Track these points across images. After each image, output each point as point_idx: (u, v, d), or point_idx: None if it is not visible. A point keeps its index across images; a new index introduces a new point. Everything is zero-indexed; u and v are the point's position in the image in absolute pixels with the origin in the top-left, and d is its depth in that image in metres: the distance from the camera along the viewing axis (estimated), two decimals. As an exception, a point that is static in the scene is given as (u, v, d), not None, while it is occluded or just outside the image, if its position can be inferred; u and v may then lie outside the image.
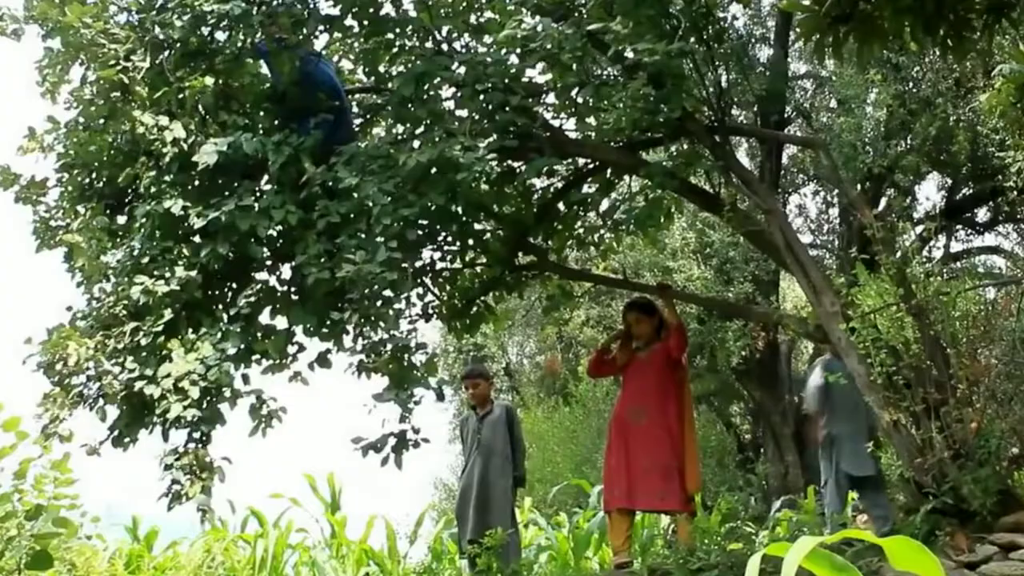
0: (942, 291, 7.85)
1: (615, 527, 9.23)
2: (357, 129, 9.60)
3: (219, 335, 7.86)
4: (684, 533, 8.87)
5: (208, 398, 7.73)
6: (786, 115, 17.65)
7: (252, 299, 8.46)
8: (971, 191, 19.01)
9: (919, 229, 17.58)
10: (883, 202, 18.13)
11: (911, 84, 16.15)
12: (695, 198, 9.96)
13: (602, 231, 10.45)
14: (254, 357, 8.37)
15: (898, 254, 8.88)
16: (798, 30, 8.93)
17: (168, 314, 7.81)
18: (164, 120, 8.26)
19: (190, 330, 7.87)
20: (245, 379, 8.25)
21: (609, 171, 10.03)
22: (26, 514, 9.80)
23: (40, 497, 9.86)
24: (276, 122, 8.73)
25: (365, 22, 8.88)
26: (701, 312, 18.54)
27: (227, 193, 8.15)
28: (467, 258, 9.76)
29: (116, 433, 8.07)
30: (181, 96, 8.45)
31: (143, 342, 7.77)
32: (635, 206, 10.07)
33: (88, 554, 11.33)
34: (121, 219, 8.84)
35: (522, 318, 23.61)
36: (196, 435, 7.91)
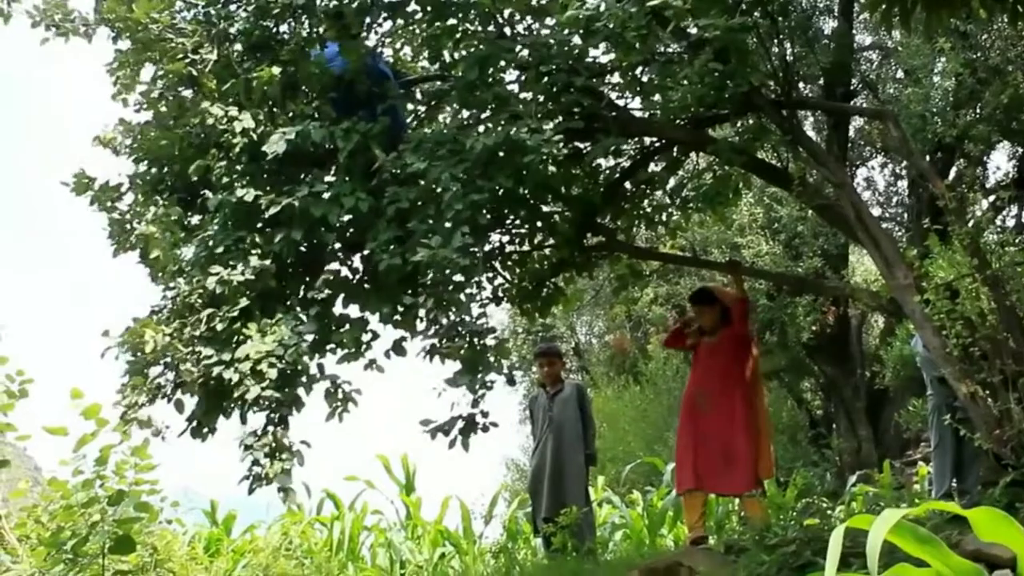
0: (1017, 261, 7.75)
1: (689, 506, 9.28)
2: (423, 116, 9.66)
3: (295, 322, 7.95)
4: (754, 513, 8.85)
5: (285, 380, 7.81)
6: (852, 88, 17.47)
7: (325, 288, 8.54)
8: (1043, 159, 18.69)
9: (991, 199, 17.36)
10: (953, 172, 17.86)
11: (980, 53, 15.86)
12: (763, 173, 9.91)
13: (670, 209, 10.44)
14: (329, 347, 8.45)
15: (971, 224, 8.76)
16: (863, 1, 8.84)
17: (244, 302, 7.91)
18: (233, 111, 8.36)
19: (265, 319, 7.95)
20: (321, 369, 8.33)
21: (676, 149, 10.01)
22: (108, 500, 9.99)
23: (121, 483, 10.04)
24: (342, 110, 8.79)
25: (428, 8, 8.90)
26: (770, 288, 18.43)
27: (297, 182, 8.23)
28: (536, 240, 9.77)
29: (195, 423, 8.19)
30: (248, 87, 8.54)
31: (219, 328, 7.88)
32: (703, 183, 10.05)
33: (168, 538, 11.50)
34: (195, 217, 8.94)
35: (591, 299, 23.60)
36: (274, 417, 8.01)
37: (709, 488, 9.32)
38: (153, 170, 8.92)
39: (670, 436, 19.92)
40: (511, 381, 8.44)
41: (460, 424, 8.07)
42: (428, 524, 14.02)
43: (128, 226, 9.04)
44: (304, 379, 7.99)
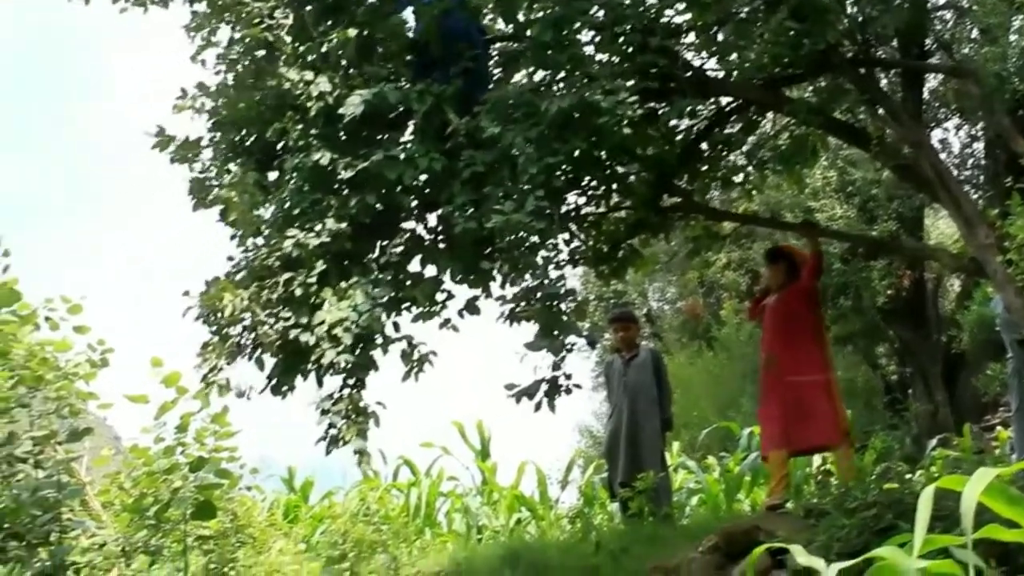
0: (1101, 219, 7.58)
1: (771, 470, 9.20)
2: (498, 77, 9.60)
3: (370, 284, 7.98)
4: (843, 467, 8.75)
5: (361, 344, 7.85)
6: (926, 48, 17.16)
7: (401, 248, 8.56)
8: (1125, 116, 18.29)
9: (1072, 156, 17.01)
10: (1032, 131, 17.51)
11: (1059, 7, 15.51)
12: (840, 134, 9.79)
13: (746, 171, 10.34)
14: (404, 305, 8.48)
15: (1052, 183, 8.59)
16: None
17: (320, 265, 7.95)
18: (309, 75, 8.38)
19: (341, 280, 7.99)
20: (396, 327, 8.37)
21: (752, 110, 9.90)
22: (189, 466, 10.11)
23: (201, 450, 10.15)
24: (417, 72, 8.77)
25: (501, -32, 8.86)
26: (844, 252, 18.24)
27: (373, 144, 8.23)
28: (611, 202, 9.73)
29: (274, 382, 8.27)
30: (324, 50, 8.55)
31: (297, 292, 7.93)
32: (779, 144, 9.94)
33: (248, 504, 11.63)
34: (271, 174, 8.98)
35: (664, 263, 23.49)
36: (350, 381, 8.06)
37: (795, 446, 9.19)
38: (230, 136, 8.97)
39: (744, 401, 19.83)
40: (591, 343, 8.41)
41: (544, 387, 8.06)
42: (504, 489, 14.07)
43: (207, 183, 9.11)
44: (380, 340, 8.03)
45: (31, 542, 10.43)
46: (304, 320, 7.80)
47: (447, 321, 8.65)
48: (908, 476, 9.26)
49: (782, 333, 9.18)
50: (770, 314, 9.35)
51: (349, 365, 7.79)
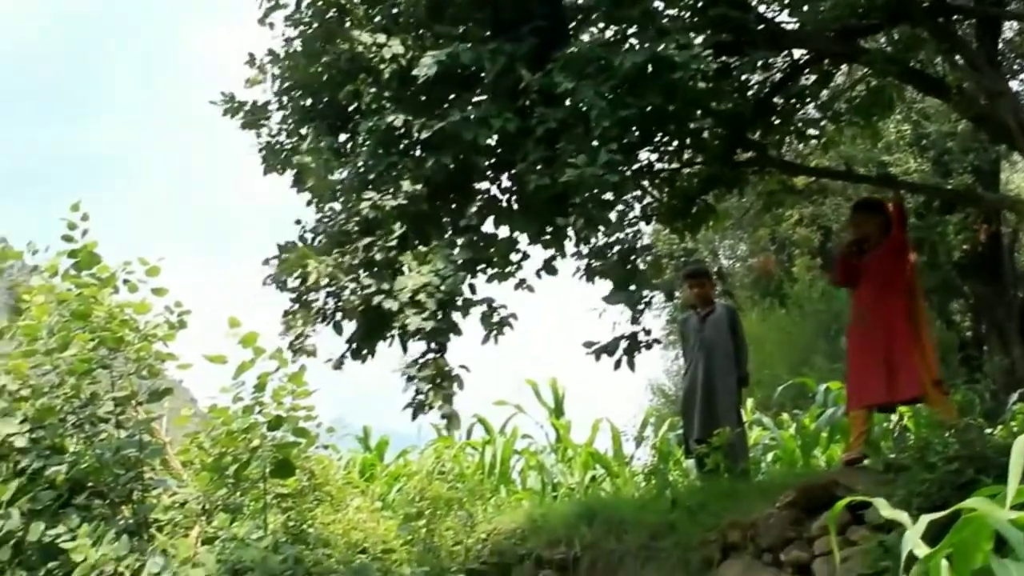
0: None
1: (853, 425, 9.11)
2: (570, 34, 9.55)
3: (450, 247, 8.00)
4: (941, 410, 8.61)
5: (443, 308, 7.88)
6: (1001, -4, 16.86)
7: (476, 210, 8.57)
8: None
9: None
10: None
11: None
12: (918, 84, 9.63)
13: (821, 123, 10.22)
14: (480, 267, 8.49)
15: None
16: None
17: (398, 228, 7.98)
18: (381, 37, 8.38)
19: (420, 243, 8.01)
20: (472, 289, 8.39)
21: (826, 61, 9.78)
22: (267, 425, 10.23)
23: (279, 409, 10.27)
24: (488, 32, 8.74)
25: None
26: (919, 206, 18.00)
27: (446, 104, 8.22)
28: (685, 157, 9.67)
29: (354, 346, 8.33)
30: (395, 11, 8.55)
31: (377, 257, 7.97)
32: (855, 96, 9.81)
33: (325, 463, 11.76)
34: (344, 137, 9.02)
35: (737, 219, 23.33)
36: (434, 346, 8.10)
37: (882, 399, 9.05)
38: (302, 100, 9.01)
39: (817, 359, 19.69)
40: (669, 296, 8.40)
41: (624, 344, 8.06)
42: (578, 447, 14.09)
43: (278, 147, 9.17)
44: (461, 303, 8.06)
45: (114, 500, 10.63)
46: (386, 286, 7.83)
47: (523, 282, 8.66)
48: (988, 431, 9.17)
49: (878, 288, 9.01)
50: (867, 269, 9.16)
51: (433, 330, 7.82)
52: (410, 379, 8.02)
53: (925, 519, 3.55)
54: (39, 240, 11.31)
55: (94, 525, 9.90)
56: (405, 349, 8.08)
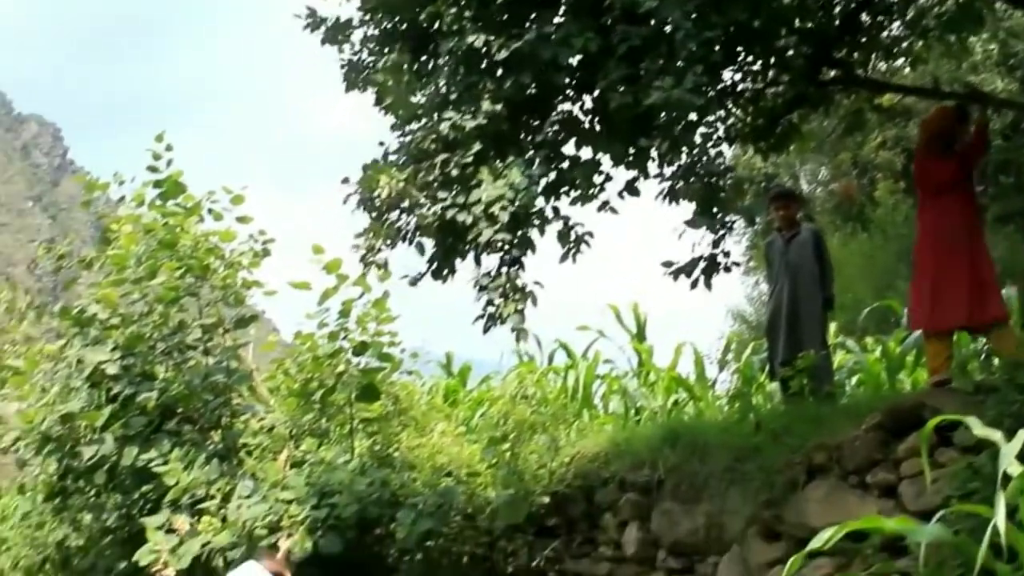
0: None
1: (932, 348, 8.95)
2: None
3: (527, 164, 7.97)
4: (1005, 345, 8.50)
5: (518, 223, 7.87)
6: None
7: (556, 130, 8.52)
8: None
9: None
10: None
11: None
12: (1010, -3, 9.39)
13: (909, 41, 9.99)
14: (563, 189, 8.46)
15: None
16: None
17: (476, 147, 7.96)
18: (461, -43, 8.31)
19: (498, 160, 8.00)
20: (555, 211, 8.37)
21: (915, -25, 9.56)
22: (352, 350, 10.34)
23: (363, 335, 10.38)
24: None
25: None
26: (1006, 127, 17.63)
27: (526, 24, 8.14)
28: (770, 77, 9.51)
29: (434, 265, 8.36)
30: (475, -70, 8.46)
31: (453, 173, 7.97)
32: (944, 11, 9.58)
33: (409, 388, 11.86)
34: (425, 58, 8.98)
35: (816, 145, 23.01)
36: (507, 259, 8.10)
37: (970, 320, 8.89)
38: (383, 21, 8.98)
39: (900, 283, 19.42)
40: (751, 220, 8.31)
41: (702, 265, 8.01)
42: (661, 371, 14.05)
43: (360, 65, 9.17)
44: (536, 221, 8.04)
45: (204, 426, 10.86)
46: (461, 200, 7.84)
47: (605, 203, 8.62)
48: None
49: (957, 211, 8.81)
50: (940, 186, 8.94)
51: (506, 244, 7.82)
52: (482, 289, 8.04)
53: (1022, 435, 3.50)
54: (125, 172, 11.47)
55: (185, 450, 10.13)
56: (478, 262, 8.11)
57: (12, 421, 11.33)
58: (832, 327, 15.07)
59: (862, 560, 6.67)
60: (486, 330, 8.09)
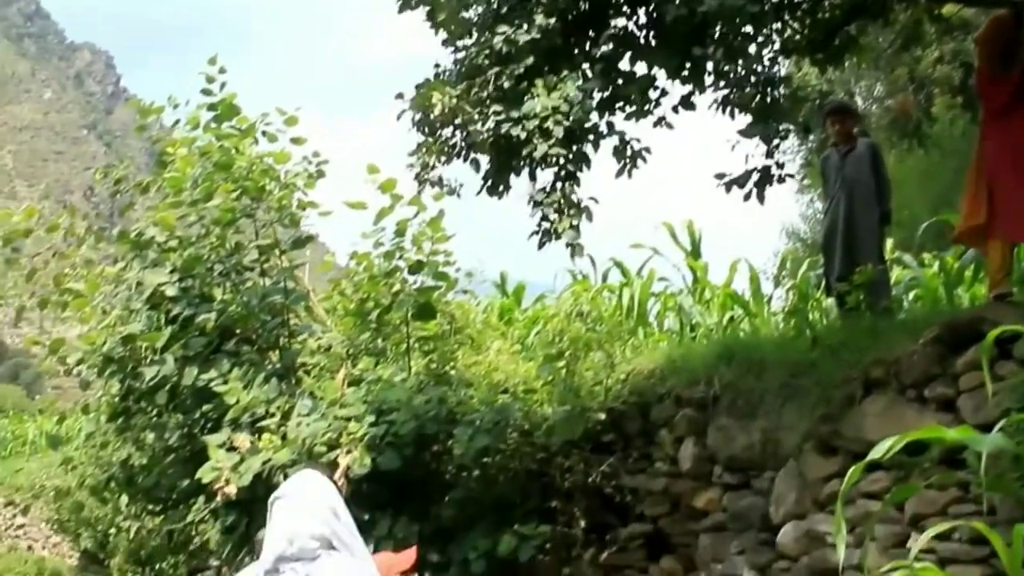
0: None
1: (993, 261, 8.80)
2: None
3: (580, 78, 7.94)
4: None
5: (572, 138, 7.85)
6: None
7: (611, 45, 8.45)
8: None
9: None
10: None
11: None
12: None
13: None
14: (617, 104, 8.41)
15: None
16: None
17: (530, 60, 7.92)
18: None
19: (551, 74, 7.96)
20: (610, 127, 8.34)
21: None
22: (408, 269, 10.37)
23: (419, 254, 10.40)
24: None
25: None
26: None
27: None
28: (827, -14, 9.35)
29: (489, 182, 8.37)
30: None
31: (506, 85, 7.94)
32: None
33: (464, 307, 11.90)
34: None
35: (872, 59, 22.66)
36: (562, 174, 8.09)
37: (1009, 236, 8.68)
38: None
39: (956, 198, 19.17)
40: (806, 130, 8.23)
41: (756, 176, 7.96)
42: (716, 288, 14.00)
43: None
44: (591, 136, 8.02)
45: (262, 346, 10.97)
46: (514, 113, 7.82)
47: (661, 119, 8.57)
48: None
49: (1008, 128, 8.59)
50: (995, 107, 8.71)
51: (561, 159, 7.81)
52: (537, 204, 8.04)
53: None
54: (180, 96, 11.51)
55: (244, 370, 10.24)
56: (533, 177, 8.11)
57: (75, 343, 11.51)
58: (889, 243, 14.94)
59: (920, 473, 6.68)
60: (540, 246, 8.11)
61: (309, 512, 4.60)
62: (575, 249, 8.10)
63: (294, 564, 4.51)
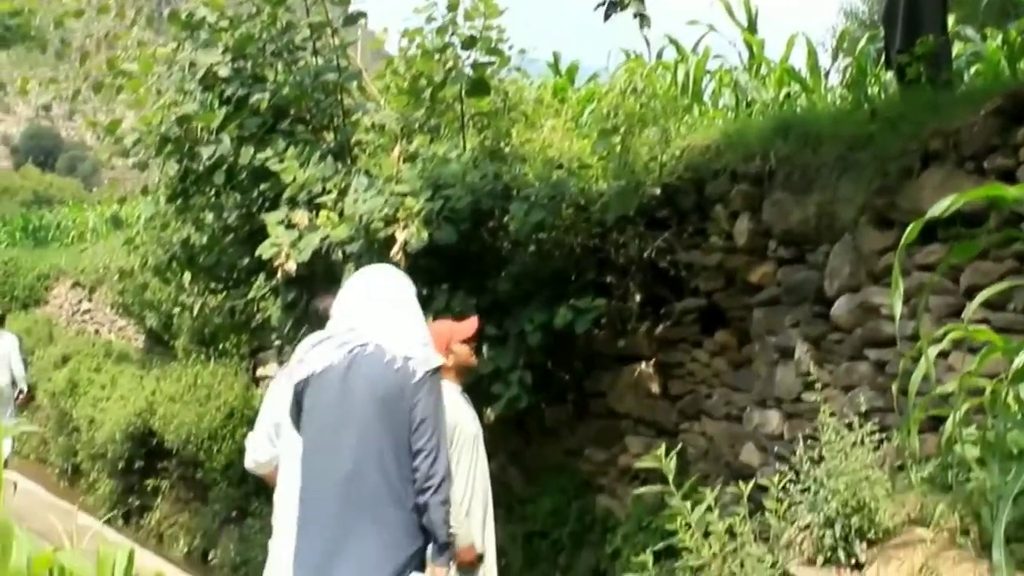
0: None
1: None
2: None
3: None
4: None
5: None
6: None
7: None
8: None
9: None
10: None
11: None
12: None
13: None
14: None
15: None
16: None
17: None
18: None
19: None
20: None
21: None
22: (461, 44, 10.28)
23: (472, 29, 10.28)
24: None
25: None
26: None
27: None
28: None
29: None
30: None
31: None
32: None
33: (518, 85, 11.81)
34: None
35: None
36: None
37: None
38: None
39: None
40: None
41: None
42: (772, 64, 13.80)
43: None
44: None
45: (316, 126, 10.99)
46: None
47: None
48: None
49: None
50: None
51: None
52: None
53: None
54: None
55: (299, 148, 10.28)
56: None
57: (131, 124, 11.58)
58: (951, 18, 14.57)
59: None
60: (607, 17, 7.99)
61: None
62: (643, 20, 7.94)
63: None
